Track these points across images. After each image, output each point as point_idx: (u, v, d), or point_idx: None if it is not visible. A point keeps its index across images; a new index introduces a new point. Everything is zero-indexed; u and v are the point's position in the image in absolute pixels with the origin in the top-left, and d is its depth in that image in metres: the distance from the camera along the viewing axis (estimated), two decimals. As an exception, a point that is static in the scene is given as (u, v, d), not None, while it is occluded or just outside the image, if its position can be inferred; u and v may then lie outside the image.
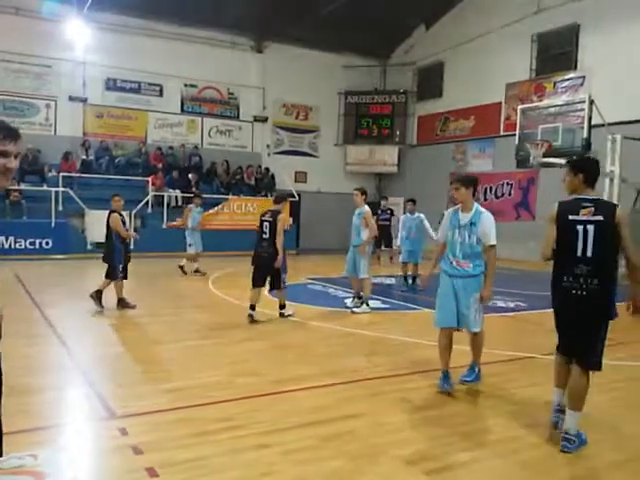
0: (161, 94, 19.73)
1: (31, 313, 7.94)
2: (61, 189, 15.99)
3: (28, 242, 15.06)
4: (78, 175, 16.95)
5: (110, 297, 8.60)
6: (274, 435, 4.01)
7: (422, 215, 11.84)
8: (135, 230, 9.04)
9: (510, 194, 18.37)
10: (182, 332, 7.39)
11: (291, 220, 19.67)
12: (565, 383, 4.10)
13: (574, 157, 4.81)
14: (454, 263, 5.22)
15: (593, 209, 3.85)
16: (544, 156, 13.20)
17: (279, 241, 7.95)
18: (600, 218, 3.81)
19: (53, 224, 15.46)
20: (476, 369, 5.42)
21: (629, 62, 14.50)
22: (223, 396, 4.79)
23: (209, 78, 20.26)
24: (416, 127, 22.46)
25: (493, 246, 5.21)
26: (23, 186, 15.88)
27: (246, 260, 15.30)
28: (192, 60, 19.46)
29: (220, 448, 3.77)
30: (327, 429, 4.17)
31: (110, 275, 8.61)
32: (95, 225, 15.95)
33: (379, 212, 14.30)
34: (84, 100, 18.38)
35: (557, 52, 16.97)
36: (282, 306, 8.37)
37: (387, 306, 9.61)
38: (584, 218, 3.85)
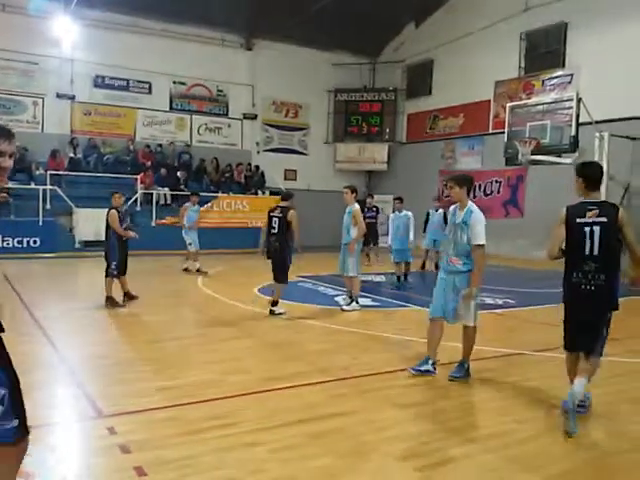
0: (150, 91, 19.62)
1: (19, 312, 7.86)
2: (49, 187, 15.87)
3: (16, 241, 14.94)
4: (66, 173, 16.83)
5: (102, 295, 8.56)
6: (263, 433, 4.00)
7: (410, 213, 11.85)
8: (130, 228, 9.05)
9: (499, 191, 18.45)
10: (171, 330, 7.35)
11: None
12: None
13: (582, 161, 5.10)
14: (448, 260, 5.46)
15: (598, 211, 4.22)
16: (532, 154, 13.27)
17: (297, 235, 8.38)
18: (604, 220, 4.19)
19: (41, 222, 15.35)
20: (465, 365, 5.45)
21: (616, 60, 14.61)
22: (212, 394, 4.77)
23: (198, 75, 20.18)
24: (406, 125, 22.50)
25: (480, 246, 5.25)
26: (10, 184, 15.72)
27: (235, 258, 15.33)
28: (181, 57, 19.36)
29: (209, 447, 3.75)
30: (317, 427, 4.16)
31: (106, 272, 8.66)
32: (83, 223, 15.90)
33: (365, 210, 14.32)
34: (72, 97, 18.23)
35: (545, 50, 17.06)
36: (274, 302, 8.35)
37: (377, 304, 9.61)
38: (590, 220, 4.23)
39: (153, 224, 16.60)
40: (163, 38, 18.97)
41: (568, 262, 4.41)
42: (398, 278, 11.81)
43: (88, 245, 15.80)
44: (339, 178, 21.24)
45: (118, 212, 8.68)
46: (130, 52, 18.48)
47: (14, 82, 17.41)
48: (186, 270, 12.80)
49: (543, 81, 17.04)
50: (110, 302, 8.57)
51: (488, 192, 18.70)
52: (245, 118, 21.35)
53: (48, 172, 16.21)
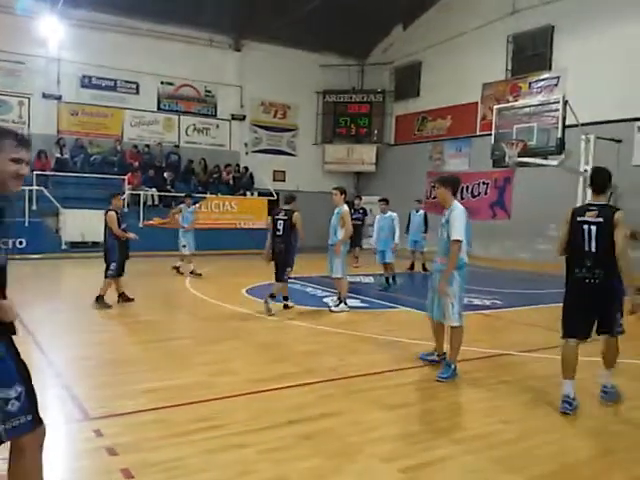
0: (137, 92, 19.52)
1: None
2: (35, 188, 15.72)
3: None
4: (52, 173, 16.70)
5: (89, 296, 8.50)
6: (251, 435, 4.00)
7: (394, 214, 11.89)
8: (125, 230, 9.11)
9: (486, 193, 18.55)
10: (158, 332, 7.33)
11: (270, 219, 19.70)
12: (574, 373, 4.67)
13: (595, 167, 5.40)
14: (436, 260, 5.68)
15: (597, 212, 4.62)
16: (519, 155, 13.35)
17: (302, 236, 8.78)
18: (600, 220, 4.57)
19: (27, 223, 15.21)
20: (452, 366, 5.49)
21: (602, 63, 14.74)
22: (200, 396, 4.76)
23: (186, 76, 20.10)
24: (394, 126, 22.55)
25: (456, 241, 5.31)
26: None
27: (223, 259, 15.28)
28: (169, 58, 19.27)
29: (196, 448, 3.74)
30: (305, 428, 4.17)
31: (105, 273, 8.73)
32: (70, 224, 15.79)
33: (352, 211, 14.31)
34: (58, 97, 18.09)
35: (532, 53, 17.17)
36: (285, 297, 8.94)
37: (365, 305, 9.64)
38: (589, 219, 4.63)
39: (140, 225, 16.52)
40: (151, 38, 18.87)
41: (571, 258, 4.76)
42: (387, 280, 11.83)
43: (74, 246, 15.70)
44: (328, 179, 21.25)
45: (117, 214, 8.84)
46: (117, 52, 18.37)
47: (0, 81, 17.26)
48: (176, 269, 12.74)
49: (530, 83, 17.17)
50: (99, 301, 8.55)
51: (475, 194, 18.80)
52: (233, 119, 21.29)
53: (34, 172, 16.07)
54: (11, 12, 16.45)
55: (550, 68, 16.62)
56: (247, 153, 21.55)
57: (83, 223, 15.38)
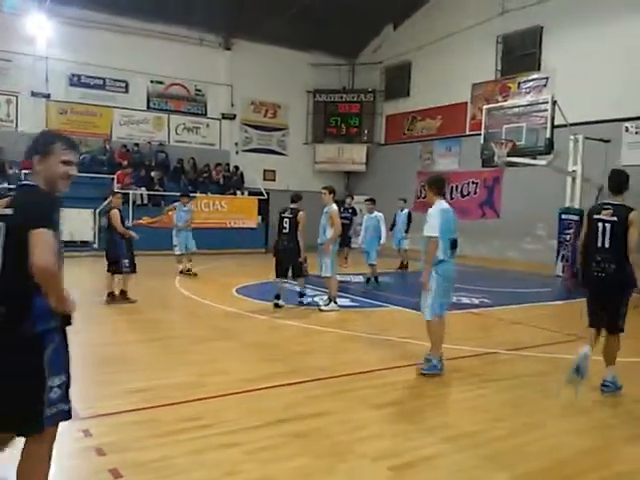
0: (126, 90, 19.39)
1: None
2: (23, 187, 15.57)
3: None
4: (41, 172, 16.54)
5: (78, 296, 8.43)
6: (240, 434, 4.00)
7: (380, 214, 11.91)
8: (128, 228, 9.23)
9: (475, 193, 18.63)
10: (148, 332, 7.30)
11: (260, 218, 19.67)
12: (593, 345, 4.99)
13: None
14: (421, 257, 5.72)
15: (612, 211, 4.89)
16: (508, 155, 13.44)
17: (302, 236, 8.90)
18: (615, 219, 4.85)
19: (15, 222, 15.06)
20: (433, 361, 5.51)
21: (591, 64, 14.82)
22: (189, 396, 4.75)
23: (176, 75, 19.99)
24: (384, 126, 22.58)
25: (429, 237, 5.44)
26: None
27: (213, 259, 15.24)
28: (159, 56, 19.15)
29: (185, 448, 3.74)
30: (294, 427, 4.17)
31: (115, 269, 8.90)
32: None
33: (341, 210, 14.32)
34: (47, 96, 17.94)
35: (521, 53, 17.25)
36: (301, 294, 9.30)
37: (356, 304, 9.65)
38: (604, 217, 4.91)
39: (129, 224, 16.41)
40: (140, 37, 18.76)
41: (586, 252, 5.10)
42: (367, 280, 11.86)
43: (64, 245, 15.57)
44: (318, 179, 21.22)
45: (120, 211, 9.05)
46: (106, 50, 18.23)
47: (-14, 79, 17.11)
48: (187, 272, 12.65)
49: (519, 84, 17.25)
50: (123, 296, 8.91)
51: (465, 193, 18.87)
52: (224, 118, 21.22)
53: (22, 171, 15.92)
54: (-1, 10, 16.31)
55: (539, 68, 16.71)
56: (237, 152, 21.49)
57: (72, 222, 15.26)
